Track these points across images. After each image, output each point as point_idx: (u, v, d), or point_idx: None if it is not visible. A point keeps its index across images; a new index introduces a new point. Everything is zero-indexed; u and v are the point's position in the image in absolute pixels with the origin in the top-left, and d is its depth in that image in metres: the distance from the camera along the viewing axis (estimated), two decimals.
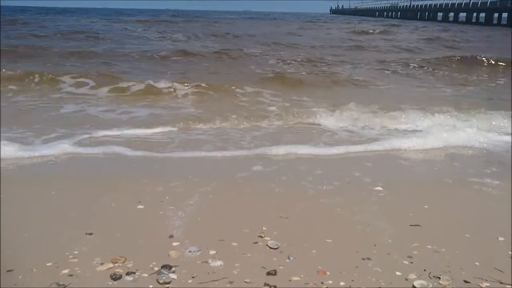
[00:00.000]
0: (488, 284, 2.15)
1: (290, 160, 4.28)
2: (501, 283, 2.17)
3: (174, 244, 2.50)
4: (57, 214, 2.92)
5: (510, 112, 6.01)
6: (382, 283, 2.15)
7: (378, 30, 27.89)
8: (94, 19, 35.35)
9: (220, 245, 2.50)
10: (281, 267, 2.28)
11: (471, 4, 48.87)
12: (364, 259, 2.38)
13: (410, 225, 2.82)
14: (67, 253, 2.35)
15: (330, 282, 2.16)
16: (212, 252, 2.42)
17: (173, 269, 2.23)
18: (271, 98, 7.14)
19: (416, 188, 3.60)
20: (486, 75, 10.53)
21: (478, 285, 2.15)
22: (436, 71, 10.92)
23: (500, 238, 2.65)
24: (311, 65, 11.35)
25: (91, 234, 2.59)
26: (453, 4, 53.02)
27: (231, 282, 2.14)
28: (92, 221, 2.78)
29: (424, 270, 2.28)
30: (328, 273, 2.23)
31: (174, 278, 2.15)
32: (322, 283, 2.15)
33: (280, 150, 4.45)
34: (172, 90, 7.47)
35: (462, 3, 50.55)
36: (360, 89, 8.42)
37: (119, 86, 7.59)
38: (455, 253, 2.47)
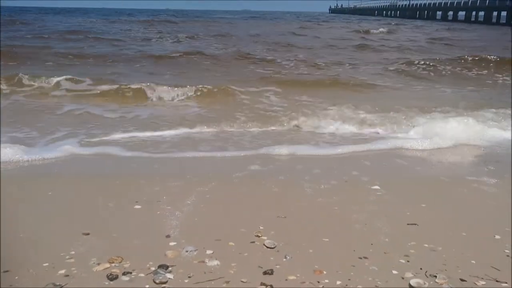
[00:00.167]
0: (484, 283, 2.15)
1: (288, 159, 4.28)
2: (497, 281, 2.17)
3: (171, 244, 2.50)
4: (54, 214, 2.92)
5: (510, 111, 6.02)
6: (379, 282, 2.15)
7: (382, 30, 27.69)
8: (93, 19, 35.35)
9: (217, 244, 2.50)
10: (277, 267, 2.28)
11: (470, 2, 48.89)
12: (360, 258, 2.38)
13: (407, 224, 2.82)
14: (63, 254, 2.35)
15: (327, 281, 2.16)
16: (209, 251, 2.42)
17: (170, 269, 2.24)
18: (272, 99, 7.16)
19: (414, 187, 3.60)
20: (500, 75, 10.42)
21: (474, 283, 2.15)
22: (444, 71, 10.83)
23: (497, 236, 2.65)
24: (313, 65, 11.32)
25: (88, 234, 2.59)
26: (452, 3, 53.08)
27: (227, 282, 2.14)
28: (89, 221, 2.78)
29: (421, 268, 2.28)
30: (324, 272, 2.23)
31: (171, 278, 2.15)
32: (318, 282, 2.15)
33: (280, 150, 4.45)
34: (179, 91, 7.42)
35: (461, 1, 50.59)
36: (362, 89, 8.37)
37: (120, 87, 7.57)
38: (451, 251, 2.47)
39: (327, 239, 2.59)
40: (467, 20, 48.99)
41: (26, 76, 7.81)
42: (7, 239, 2.51)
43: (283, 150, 4.45)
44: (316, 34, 23.82)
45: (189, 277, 2.17)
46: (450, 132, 5.01)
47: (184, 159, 4.22)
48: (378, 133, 5.33)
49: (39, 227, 2.71)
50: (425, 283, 2.13)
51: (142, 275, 2.18)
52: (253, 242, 2.54)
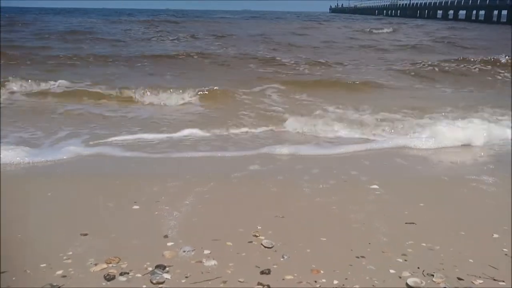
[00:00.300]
0: (481, 281, 2.15)
1: (288, 159, 4.28)
2: (494, 280, 2.17)
3: (169, 244, 2.50)
4: (53, 215, 2.92)
5: (510, 111, 6.02)
6: (376, 281, 2.15)
7: (386, 30, 27.47)
8: (93, 19, 35.36)
9: (215, 244, 2.50)
10: (275, 266, 2.28)
11: (470, 1, 48.85)
12: (358, 257, 2.38)
13: (405, 223, 2.82)
14: (61, 254, 2.35)
15: (324, 280, 2.16)
16: (206, 251, 2.42)
17: (167, 269, 2.24)
18: (273, 99, 7.16)
19: (413, 186, 3.60)
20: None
21: (472, 282, 2.15)
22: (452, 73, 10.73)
23: (495, 235, 2.65)
24: (315, 65, 11.29)
25: (86, 234, 2.60)
26: (452, 2, 53.04)
27: (224, 282, 2.14)
28: (87, 222, 2.78)
29: (418, 267, 2.28)
30: (321, 271, 2.23)
31: (168, 278, 2.15)
32: (315, 281, 2.15)
33: (281, 150, 4.45)
34: (179, 91, 7.38)
35: (461, 1, 50.54)
36: (365, 89, 8.33)
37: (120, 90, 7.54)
38: (449, 250, 2.47)
39: (324, 239, 2.59)
40: (468, 19, 48.95)
41: (21, 82, 7.74)
42: (5, 240, 2.51)
43: (284, 150, 4.46)
44: (318, 34, 23.81)
45: (186, 277, 2.17)
46: (450, 132, 5.00)
47: (184, 159, 4.23)
48: (379, 133, 5.31)
49: (37, 227, 2.71)
50: (422, 282, 2.13)
51: (139, 275, 2.18)
52: (251, 242, 2.54)
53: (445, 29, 29.93)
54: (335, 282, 2.15)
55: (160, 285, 2.11)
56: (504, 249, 2.48)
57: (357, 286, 2.11)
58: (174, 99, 7.08)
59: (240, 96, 7.24)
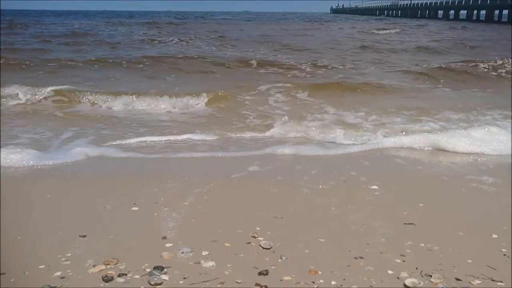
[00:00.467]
0: (479, 282, 2.15)
1: (287, 160, 4.28)
2: (492, 280, 2.16)
3: (167, 245, 2.50)
4: (52, 216, 2.93)
5: (510, 112, 6.01)
6: (373, 282, 2.15)
7: (390, 31, 27.32)
8: (94, 21, 35.43)
9: (213, 245, 2.50)
10: (273, 267, 2.28)
11: (471, 1, 48.82)
12: (356, 258, 2.38)
13: (404, 224, 2.82)
14: (59, 256, 2.35)
15: (321, 281, 2.16)
16: (204, 253, 2.42)
17: (165, 270, 2.24)
18: (276, 100, 7.17)
19: (412, 186, 3.60)
20: None
21: (470, 282, 2.14)
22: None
23: (494, 236, 2.65)
24: (317, 66, 11.28)
25: (84, 236, 2.60)
26: (453, 2, 53.03)
27: (222, 283, 2.14)
28: (86, 223, 2.78)
29: (416, 268, 2.27)
30: (319, 272, 2.23)
31: (166, 279, 2.16)
32: (313, 282, 2.15)
33: (283, 150, 4.46)
34: (181, 94, 7.33)
35: (462, 0, 50.51)
36: (369, 90, 8.31)
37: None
38: (448, 251, 2.46)
39: (323, 240, 2.59)
40: (469, 18, 48.96)
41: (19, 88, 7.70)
42: (3, 241, 2.51)
43: (286, 150, 4.46)
44: (320, 35, 23.79)
45: (184, 278, 2.17)
46: (450, 132, 4.99)
47: (184, 159, 4.23)
48: (377, 133, 5.31)
49: (36, 229, 2.72)
50: (420, 283, 2.12)
51: (137, 276, 2.18)
52: (249, 243, 2.54)
53: (447, 29, 29.90)
54: (333, 283, 2.14)
55: (158, 286, 2.11)
56: (503, 249, 2.47)
57: (355, 287, 2.11)
58: (175, 102, 7.06)
59: (243, 98, 7.25)
